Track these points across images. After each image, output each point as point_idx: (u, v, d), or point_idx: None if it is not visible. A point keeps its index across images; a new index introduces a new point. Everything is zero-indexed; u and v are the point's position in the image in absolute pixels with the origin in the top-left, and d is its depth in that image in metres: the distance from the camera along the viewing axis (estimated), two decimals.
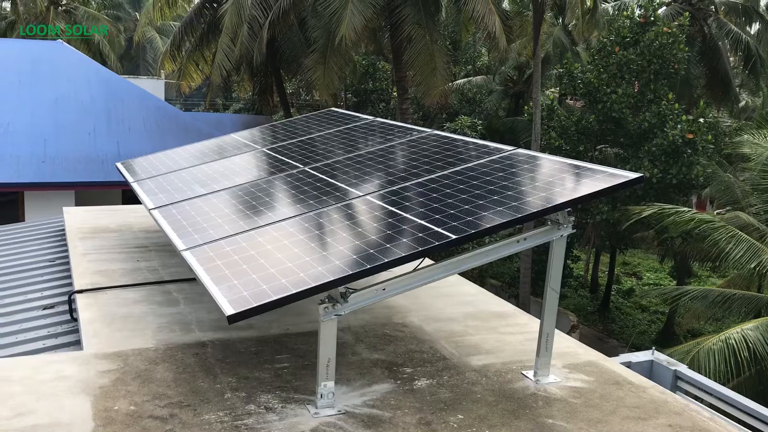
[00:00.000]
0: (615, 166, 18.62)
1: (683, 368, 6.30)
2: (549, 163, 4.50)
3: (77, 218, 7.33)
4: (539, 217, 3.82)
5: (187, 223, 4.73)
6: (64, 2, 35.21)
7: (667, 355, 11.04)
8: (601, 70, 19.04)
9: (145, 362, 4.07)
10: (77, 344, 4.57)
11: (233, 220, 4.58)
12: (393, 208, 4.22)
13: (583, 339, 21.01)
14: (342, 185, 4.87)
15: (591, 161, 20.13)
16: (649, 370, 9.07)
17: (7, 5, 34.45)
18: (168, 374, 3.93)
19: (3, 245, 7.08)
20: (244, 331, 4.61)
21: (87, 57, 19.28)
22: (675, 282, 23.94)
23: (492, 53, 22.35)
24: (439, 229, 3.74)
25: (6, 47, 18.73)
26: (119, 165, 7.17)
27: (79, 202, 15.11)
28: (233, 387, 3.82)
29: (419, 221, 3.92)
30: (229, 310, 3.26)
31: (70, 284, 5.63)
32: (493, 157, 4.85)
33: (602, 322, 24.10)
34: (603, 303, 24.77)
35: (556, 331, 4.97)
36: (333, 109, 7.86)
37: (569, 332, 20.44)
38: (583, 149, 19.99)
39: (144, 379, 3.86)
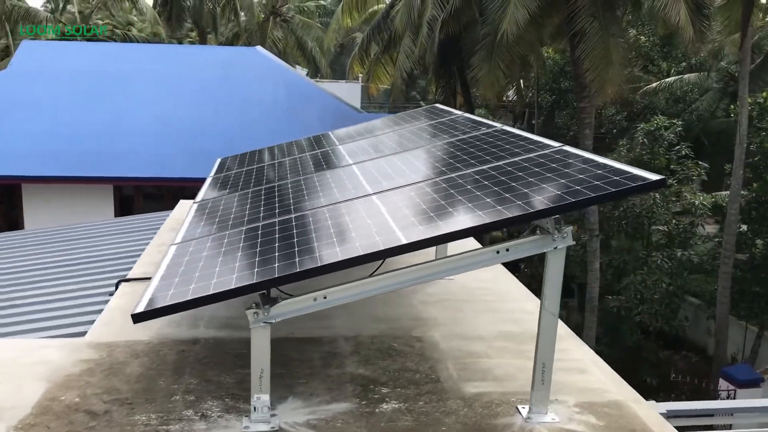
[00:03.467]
0: None
1: None
2: (577, 163, 3.78)
3: (185, 210, 7.66)
4: (512, 226, 3.20)
5: (206, 218, 4.67)
6: (285, 12, 37.85)
7: None
8: None
9: (127, 355, 4.05)
10: None
11: (240, 217, 4.44)
12: (383, 208, 3.80)
13: None
14: (357, 185, 4.52)
15: None
16: None
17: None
18: (138, 369, 3.87)
19: (116, 234, 7.60)
20: (245, 331, 4.42)
21: (278, 62, 20.42)
22: None
23: (686, 47, 20.14)
24: (399, 233, 3.28)
25: (206, 53, 20.46)
26: (219, 160, 7.40)
27: None
28: (188, 389, 3.65)
29: (391, 224, 3.48)
30: (138, 309, 3.10)
31: None
32: (530, 156, 4.21)
33: None
34: None
35: (598, 360, 4.23)
36: (436, 105, 7.46)
37: None
38: None
39: (112, 371, 3.83)
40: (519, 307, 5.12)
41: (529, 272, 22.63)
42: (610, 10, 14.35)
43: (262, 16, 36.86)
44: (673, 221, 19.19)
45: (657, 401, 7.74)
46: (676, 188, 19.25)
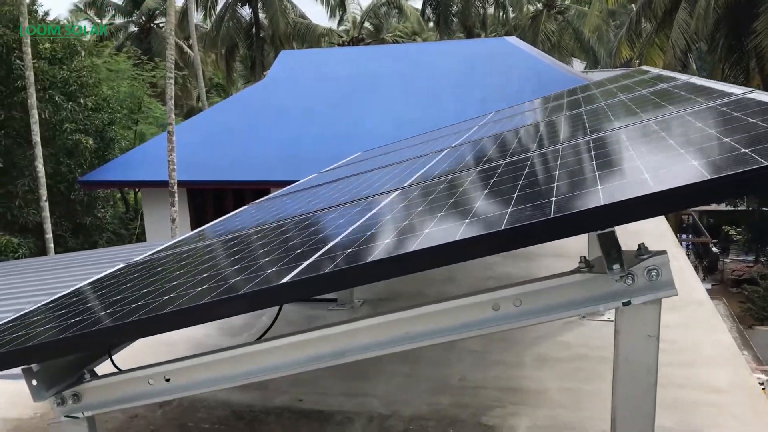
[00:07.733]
0: None
1: None
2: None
3: None
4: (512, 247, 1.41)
5: (244, 219, 3.44)
6: (559, 4, 35.68)
7: None
8: None
9: None
10: None
11: (253, 215, 3.12)
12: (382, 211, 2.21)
13: None
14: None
15: None
16: None
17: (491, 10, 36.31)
18: None
19: None
20: (245, 392, 3.06)
21: (528, 51, 18.59)
22: None
23: None
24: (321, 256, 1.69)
25: (454, 48, 19.47)
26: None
27: None
28: None
29: (319, 246, 1.89)
30: None
31: None
32: (694, 109, 2.28)
33: None
34: None
35: None
36: (644, 67, 5.41)
37: None
38: None
39: None
40: (704, 377, 3.02)
41: None
42: None
43: (538, 7, 35.07)
44: None
45: None
46: None
